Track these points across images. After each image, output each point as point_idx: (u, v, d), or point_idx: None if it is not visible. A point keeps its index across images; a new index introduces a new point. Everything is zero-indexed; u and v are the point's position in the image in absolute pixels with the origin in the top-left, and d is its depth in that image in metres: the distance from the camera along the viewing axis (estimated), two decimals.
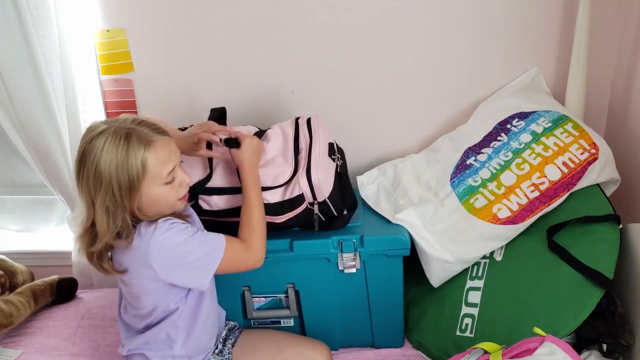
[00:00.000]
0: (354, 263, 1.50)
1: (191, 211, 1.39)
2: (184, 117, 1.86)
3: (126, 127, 1.17)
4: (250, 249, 1.30)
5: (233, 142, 1.38)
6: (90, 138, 1.16)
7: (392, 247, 1.49)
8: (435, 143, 1.81)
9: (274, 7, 1.72)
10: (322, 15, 1.73)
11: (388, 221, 1.58)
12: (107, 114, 1.88)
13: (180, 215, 1.29)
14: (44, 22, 1.65)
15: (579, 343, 1.38)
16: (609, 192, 1.59)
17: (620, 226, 1.43)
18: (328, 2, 1.71)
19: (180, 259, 1.22)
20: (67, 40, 1.68)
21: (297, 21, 1.74)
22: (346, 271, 1.51)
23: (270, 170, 1.44)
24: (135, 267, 1.22)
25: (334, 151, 1.52)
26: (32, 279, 1.91)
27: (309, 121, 1.54)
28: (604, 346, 1.34)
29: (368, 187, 1.73)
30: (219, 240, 1.26)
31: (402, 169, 1.75)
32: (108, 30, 1.77)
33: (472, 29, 1.73)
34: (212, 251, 1.24)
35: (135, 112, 1.87)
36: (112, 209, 1.16)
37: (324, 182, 1.42)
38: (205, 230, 1.30)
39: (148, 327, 1.32)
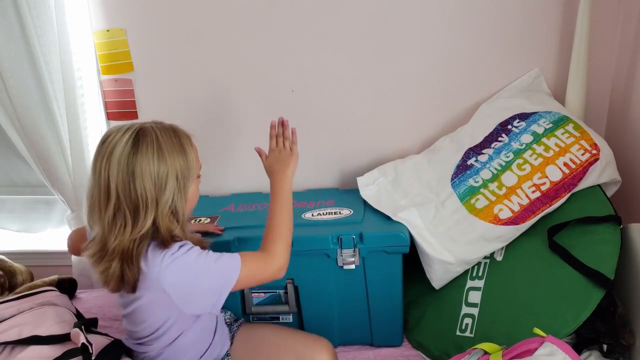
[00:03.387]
0: (353, 259, 1.50)
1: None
2: (183, 117, 1.86)
3: (165, 123, 1.18)
4: (272, 258, 1.24)
5: None
6: (132, 146, 1.11)
7: (391, 244, 1.49)
8: (436, 144, 1.81)
9: (274, 7, 1.72)
10: (322, 16, 1.73)
11: (388, 219, 1.58)
12: (107, 114, 1.89)
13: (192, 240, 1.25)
14: (43, 22, 1.66)
15: (579, 343, 1.37)
16: (609, 193, 1.59)
17: (621, 226, 1.43)
18: (328, 3, 1.71)
19: (194, 279, 1.15)
20: (67, 40, 1.68)
21: (297, 21, 1.74)
22: (345, 267, 1.52)
23: None
24: (145, 291, 1.15)
25: None
26: (32, 279, 1.91)
27: None
28: (604, 346, 1.34)
29: (368, 187, 1.72)
30: (233, 257, 1.19)
31: (402, 170, 1.74)
32: (108, 30, 1.77)
33: (473, 29, 1.73)
34: (228, 267, 1.18)
35: (135, 112, 1.87)
36: (178, 202, 1.14)
37: None
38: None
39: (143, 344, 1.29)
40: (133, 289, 1.14)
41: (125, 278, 1.13)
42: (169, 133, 1.15)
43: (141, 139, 1.11)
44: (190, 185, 1.17)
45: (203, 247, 1.21)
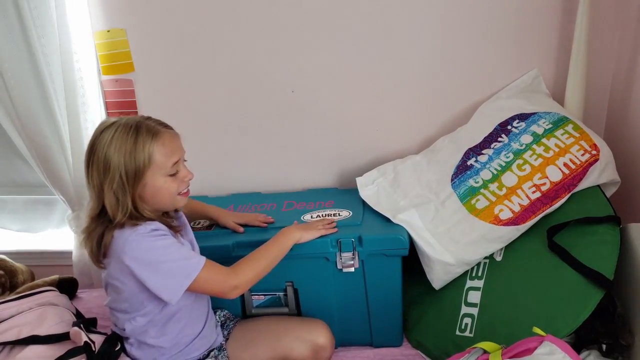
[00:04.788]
0: (352, 262, 1.50)
1: (184, 220, 1.41)
2: (183, 117, 1.87)
3: (136, 120, 1.24)
4: (234, 275, 1.28)
5: None
6: (101, 129, 1.23)
7: (390, 247, 1.49)
8: (436, 144, 1.81)
9: (274, 7, 1.72)
10: (322, 16, 1.73)
11: (387, 221, 1.58)
12: (108, 114, 1.89)
13: (172, 227, 1.30)
14: (44, 22, 1.66)
15: (579, 343, 1.37)
16: (609, 193, 1.59)
17: (620, 227, 1.43)
18: (328, 3, 1.71)
19: (155, 265, 1.21)
20: (68, 40, 1.68)
21: (297, 21, 1.74)
22: (345, 270, 1.52)
23: None
24: (111, 259, 1.24)
25: None
26: (33, 279, 1.91)
27: None
28: (604, 346, 1.34)
29: (368, 187, 1.72)
30: (200, 258, 1.26)
31: (402, 170, 1.74)
32: (109, 31, 1.78)
33: (472, 30, 1.73)
34: (190, 265, 1.24)
35: (136, 112, 1.87)
36: (121, 193, 1.21)
37: None
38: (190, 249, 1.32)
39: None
40: (96, 262, 1.27)
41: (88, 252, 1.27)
42: (128, 129, 1.21)
43: (105, 130, 1.22)
44: (139, 183, 1.22)
45: (176, 232, 1.30)
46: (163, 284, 1.22)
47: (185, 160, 1.31)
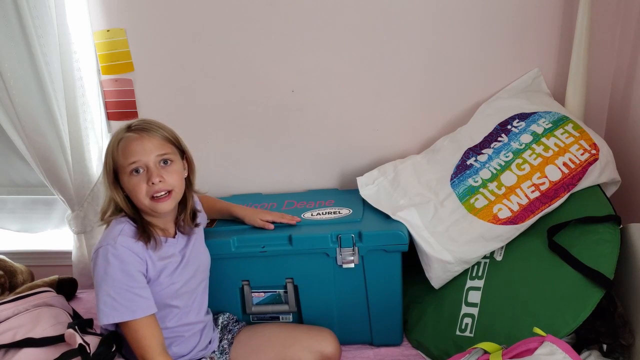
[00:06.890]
0: (352, 258, 1.51)
1: (192, 238, 1.40)
2: (183, 117, 1.87)
3: (127, 123, 1.29)
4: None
5: None
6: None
7: (390, 243, 1.50)
8: (436, 144, 1.81)
9: (274, 8, 1.72)
10: (322, 16, 1.73)
11: (387, 218, 1.58)
12: (107, 114, 1.89)
13: (149, 234, 1.28)
14: (44, 22, 1.66)
15: (579, 343, 1.37)
16: (609, 193, 1.59)
17: (621, 226, 1.43)
18: (328, 2, 1.71)
19: (101, 277, 1.22)
20: (67, 40, 1.68)
21: (297, 21, 1.74)
22: (345, 266, 1.52)
23: None
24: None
25: None
26: (32, 279, 1.91)
27: None
28: (604, 346, 1.34)
29: (368, 187, 1.72)
30: (139, 309, 1.22)
31: (402, 169, 1.75)
32: (108, 30, 1.78)
33: (473, 30, 1.73)
34: (137, 304, 1.22)
35: (135, 112, 1.87)
36: (106, 185, 1.29)
37: None
38: (143, 287, 1.25)
39: None
40: None
41: None
42: (117, 131, 1.29)
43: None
44: (112, 180, 1.28)
45: (146, 237, 1.28)
46: (98, 303, 1.23)
47: (164, 165, 1.27)
